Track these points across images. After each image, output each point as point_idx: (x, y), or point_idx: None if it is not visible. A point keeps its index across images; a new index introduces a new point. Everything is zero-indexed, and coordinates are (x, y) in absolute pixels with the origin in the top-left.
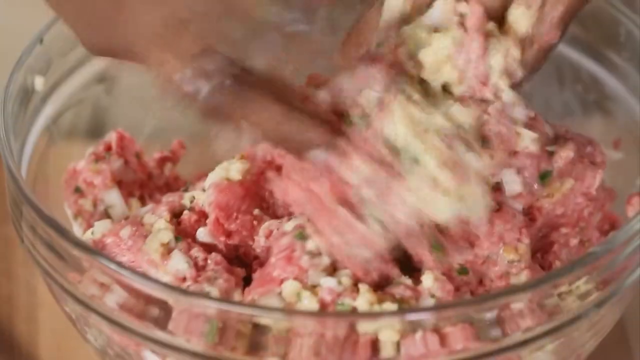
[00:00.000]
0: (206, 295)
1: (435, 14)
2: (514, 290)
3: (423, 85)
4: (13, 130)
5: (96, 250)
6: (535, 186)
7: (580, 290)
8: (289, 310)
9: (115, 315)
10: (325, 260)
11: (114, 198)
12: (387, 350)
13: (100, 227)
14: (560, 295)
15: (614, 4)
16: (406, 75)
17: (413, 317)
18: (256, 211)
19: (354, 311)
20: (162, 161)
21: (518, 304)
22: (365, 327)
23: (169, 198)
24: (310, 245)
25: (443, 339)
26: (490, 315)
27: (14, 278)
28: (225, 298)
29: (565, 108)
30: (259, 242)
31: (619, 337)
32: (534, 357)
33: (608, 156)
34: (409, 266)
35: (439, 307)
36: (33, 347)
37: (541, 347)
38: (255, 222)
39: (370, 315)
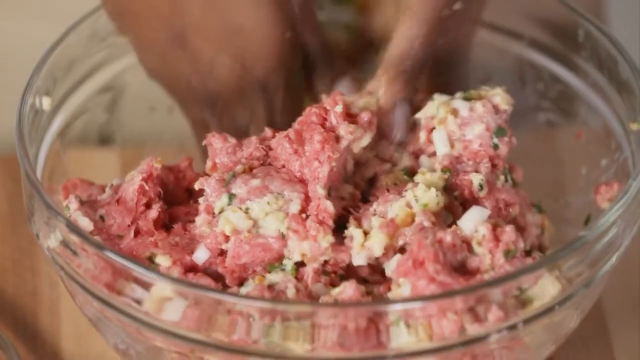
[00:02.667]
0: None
1: None
2: (512, 275)
3: None
4: (29, 144)
5: (103, 245)
6: None
7: (572, 272)
8: (312, 303)
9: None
10: None
11: None
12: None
13: None
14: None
15: (573, 7)
16: None
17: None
18: None
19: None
20: None
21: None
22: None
23: None
24: None
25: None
26: (495, 297)
27: (38, 273)
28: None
29: (527, 105)
30: None
31: (599, 328)
32: (534, 337)
33: (571, 147)
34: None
35: (456, 291)
36: (56, 338)
37: (535, 331)
38: None
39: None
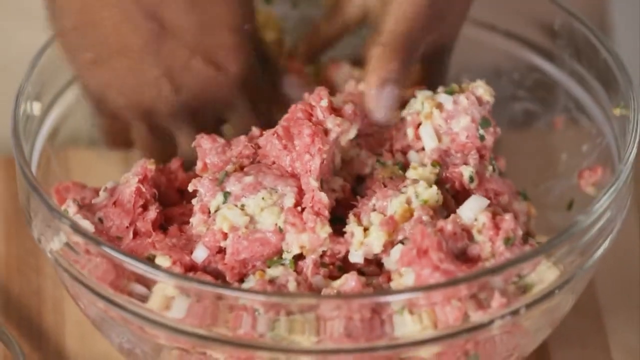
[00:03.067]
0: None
1: None
2: (515, 261)
3: None
4: (24, 145)
5: (111, 245)
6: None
7: (569, 257)
8: (322, 296)
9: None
10: None
11: None
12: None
13: None
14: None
15: None
16: None
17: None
18: None
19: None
20: None
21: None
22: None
23: None
24: None
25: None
26: (497, 284)
27: (42, 272)
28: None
29: (505, 94)
30: None
31: (596, 325)
32: (533, 322)
33: (550, 134)
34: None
35: (457, 280)
36: (60, 336)
37: (535, 315)
38: None
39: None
